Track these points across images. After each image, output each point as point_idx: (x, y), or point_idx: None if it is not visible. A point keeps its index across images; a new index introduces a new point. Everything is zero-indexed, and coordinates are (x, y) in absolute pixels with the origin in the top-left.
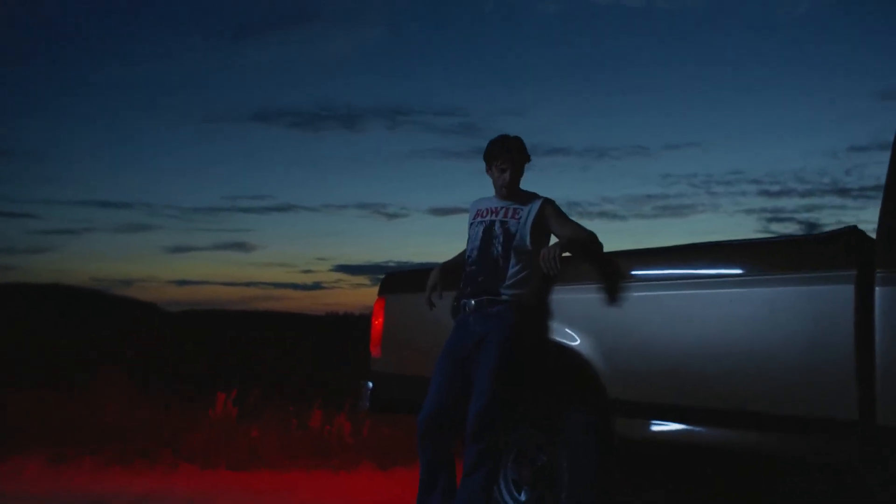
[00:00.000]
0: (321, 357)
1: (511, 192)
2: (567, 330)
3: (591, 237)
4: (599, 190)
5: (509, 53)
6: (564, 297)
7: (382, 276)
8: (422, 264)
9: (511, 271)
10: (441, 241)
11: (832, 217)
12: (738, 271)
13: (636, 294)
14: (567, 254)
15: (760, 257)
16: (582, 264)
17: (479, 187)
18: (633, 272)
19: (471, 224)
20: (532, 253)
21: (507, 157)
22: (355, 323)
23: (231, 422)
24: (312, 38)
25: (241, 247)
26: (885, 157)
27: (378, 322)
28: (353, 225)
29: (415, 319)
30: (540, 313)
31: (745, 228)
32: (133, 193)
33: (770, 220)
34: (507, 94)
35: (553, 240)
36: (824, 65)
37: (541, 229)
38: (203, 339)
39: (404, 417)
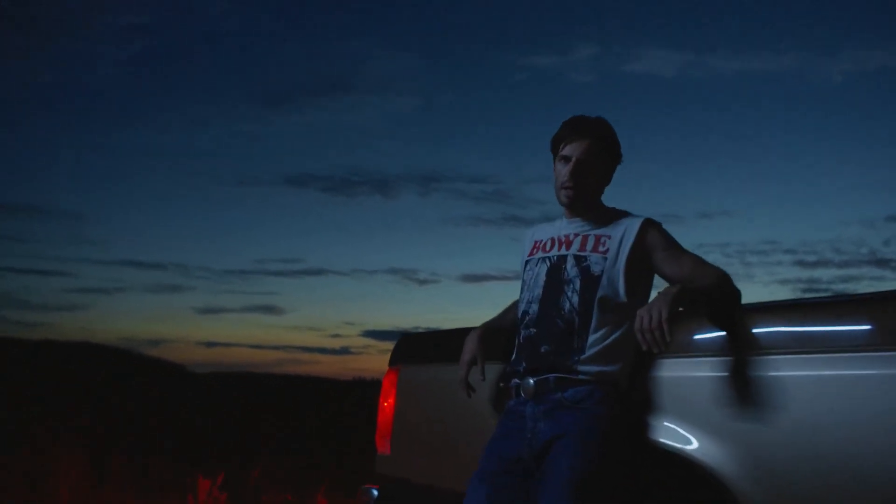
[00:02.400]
0: (340, 426)
1: (582, 203)
2: (682, 430)
3: (723, 279)
4: None
5: (541, 121)
6: (680, 377)
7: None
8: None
9: (594, 336)
10: (472, 309)
11: (870, 288)
12: None
13: (801, 373)
14: (681, 309)
15: None
16: (709, 324)
17: (513, 254)
18: (794, 334)
19: (526, 262)
20: (628, 307)
21: (577, 140)
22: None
23: None
24: (346, 106)
25: (270, 310)
26: None
27: (388, 404)
28: (384, 290)
29: (441, 403)
30: (640, 402)
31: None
32: (168, 255)
33: (805, 290)
34: (539, 162)
35: (658, 283)
36: (860, 133)
37: (641, 267)
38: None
39: None
